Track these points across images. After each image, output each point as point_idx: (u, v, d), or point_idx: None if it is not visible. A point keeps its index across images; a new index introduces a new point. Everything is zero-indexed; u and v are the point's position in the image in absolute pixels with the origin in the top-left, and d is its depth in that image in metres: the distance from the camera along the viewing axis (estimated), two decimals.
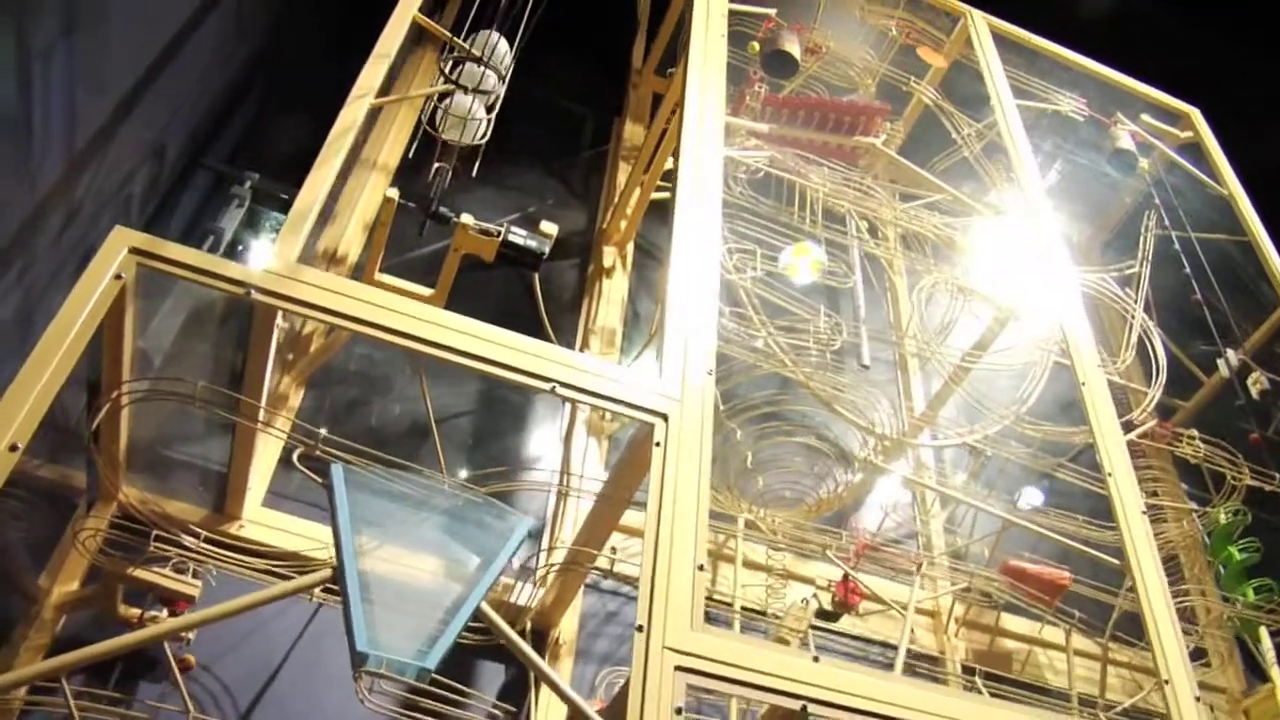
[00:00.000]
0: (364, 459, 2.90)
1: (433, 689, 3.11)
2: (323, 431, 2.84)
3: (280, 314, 2.99)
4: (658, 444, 2.81)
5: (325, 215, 4.53)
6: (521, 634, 3.57)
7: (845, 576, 3.32)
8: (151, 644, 3.18)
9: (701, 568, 2.63)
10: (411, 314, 2.83)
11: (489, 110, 3.83)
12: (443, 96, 3.79)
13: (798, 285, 4.39)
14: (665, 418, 2.86)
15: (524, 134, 5.84)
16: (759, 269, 3.86)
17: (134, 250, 2.70)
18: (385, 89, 4.70)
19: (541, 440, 4.53)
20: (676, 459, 2.80)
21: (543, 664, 2.66)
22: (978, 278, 4.57)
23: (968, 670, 4.34)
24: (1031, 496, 5.25)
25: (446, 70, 3.75)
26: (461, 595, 2.68)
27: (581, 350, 4.65)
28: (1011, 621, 4.67)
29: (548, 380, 2.84)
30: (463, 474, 3.77)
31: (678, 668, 2.45)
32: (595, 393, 2.86)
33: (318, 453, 2.84)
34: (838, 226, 4.68)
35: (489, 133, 3.82)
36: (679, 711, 2.39)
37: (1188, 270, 5.10)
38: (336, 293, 2.84)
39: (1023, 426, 4.19)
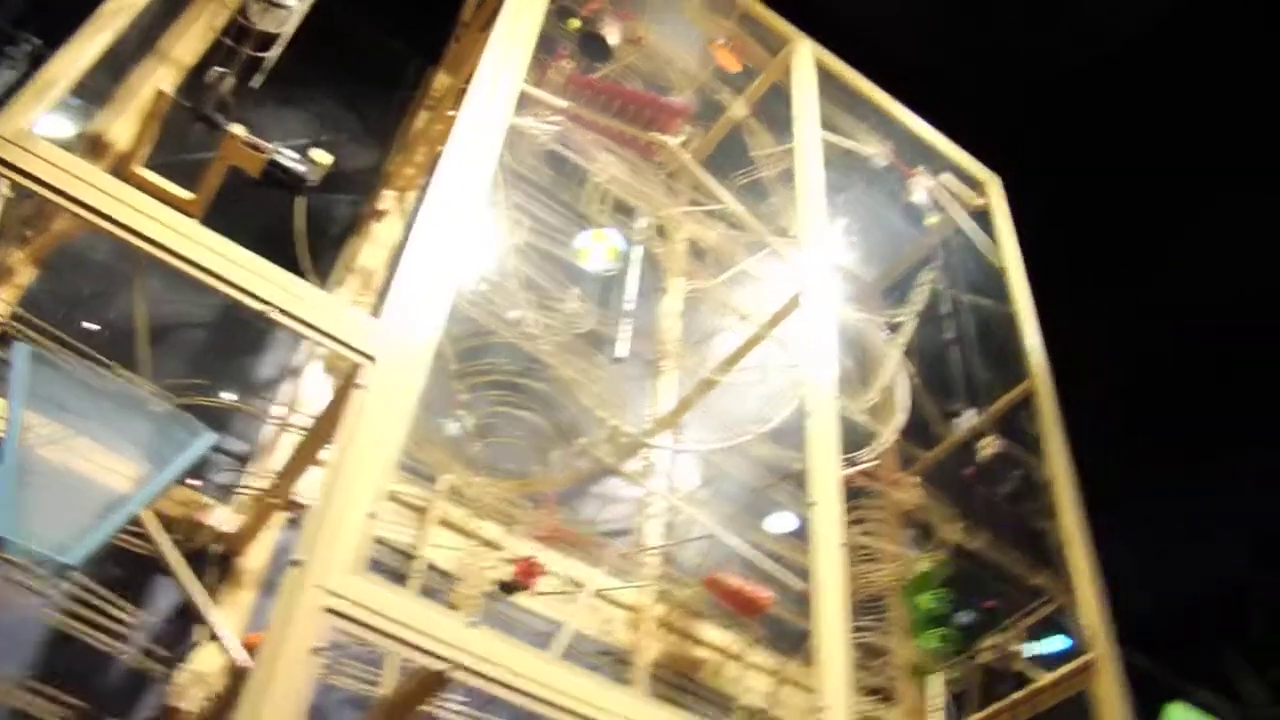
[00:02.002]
0: (61, 346, 2.82)
1: (88, 595, 3.04)
2: (16, 309, 2.74)
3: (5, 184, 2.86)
4: (359, 385, 2.78)
5: (103, 98, 4.37)
6: (203, 554, 3.51)
7: (530, 557, 3.34)
8: None
9: (373, 515, 2.61)
10: (128, 202, 2.74)
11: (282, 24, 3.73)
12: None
13: (590, 270, 4.41)
14: (373, 359, 2.83)
15: (338, 64, 5.71)
16: (521, 241, 3.85)
17: None
18: None
19: (277, 366, 4.43)
20: (376, 404, 2.77)
21: (189, 576, 2.61)
22: (745, 295, 4.65)
23: (656, 674, 4.39)
24: (782, 522, 5.34)
25: None
26: (124, 498, 2.61)
27: (335, 288, 4.56)
28: (715, 633, 4.75)
29: (263, 301, 2.78)
30: (176, 383, 3.65)
31: (326, 609, 2.42)
32: (304, 320, 2.80)
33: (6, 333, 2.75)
34: (625, 217, 4.72)
35: (277, 44, 3.72)
36: (315, 651, 2.36)
37: (954, 328, 5.29)
38: (61, 169, 2.73)
39: (753, 447, 4.26)
